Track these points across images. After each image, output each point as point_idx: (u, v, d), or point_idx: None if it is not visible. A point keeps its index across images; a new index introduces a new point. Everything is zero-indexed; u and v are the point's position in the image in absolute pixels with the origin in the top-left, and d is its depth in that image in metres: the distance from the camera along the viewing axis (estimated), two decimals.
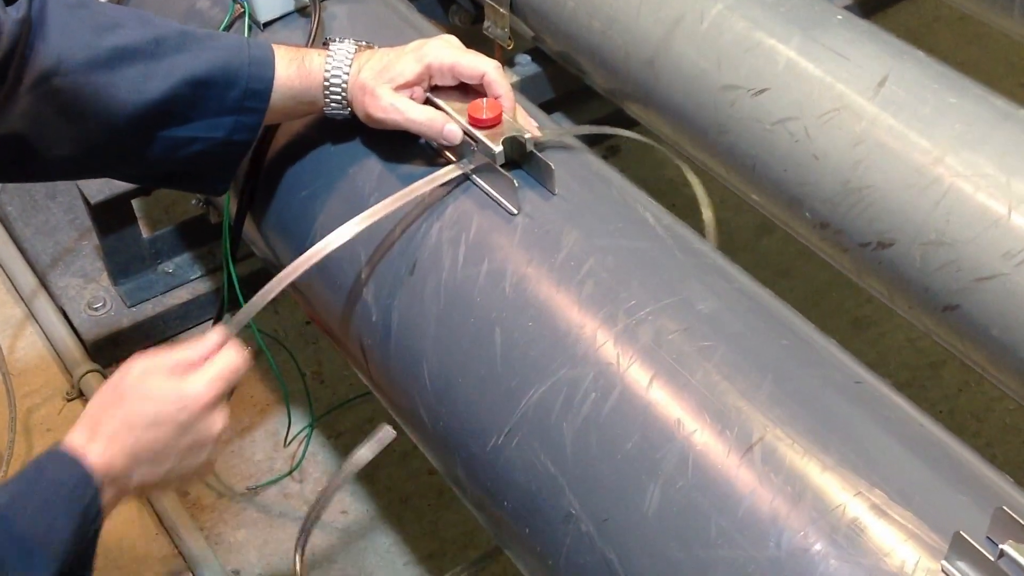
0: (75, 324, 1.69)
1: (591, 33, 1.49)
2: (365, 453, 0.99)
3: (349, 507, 1.52)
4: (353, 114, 1.09)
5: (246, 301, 0.99)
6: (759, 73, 1.30)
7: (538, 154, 1.02)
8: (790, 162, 1.28)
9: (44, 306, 1.72)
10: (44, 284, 1.75)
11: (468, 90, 1.07)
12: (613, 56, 1.46)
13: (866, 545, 0.76)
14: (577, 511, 0.86)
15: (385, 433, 0.99)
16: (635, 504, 0.83)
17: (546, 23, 1.58)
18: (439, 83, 1.07)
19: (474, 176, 1.04)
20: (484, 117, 1.03)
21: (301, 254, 1.00)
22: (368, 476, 1.56)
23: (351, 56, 1.07)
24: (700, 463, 0.82)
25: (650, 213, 1.04)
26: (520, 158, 1.04)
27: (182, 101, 1.05)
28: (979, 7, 1.63)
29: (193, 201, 1.61)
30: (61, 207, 1.84)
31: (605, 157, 1.57)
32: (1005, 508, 0.71)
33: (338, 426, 1.61)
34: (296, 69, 1.07)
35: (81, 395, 1.62)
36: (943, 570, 0.73)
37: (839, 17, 1.34)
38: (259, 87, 1.06)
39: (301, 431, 1.58)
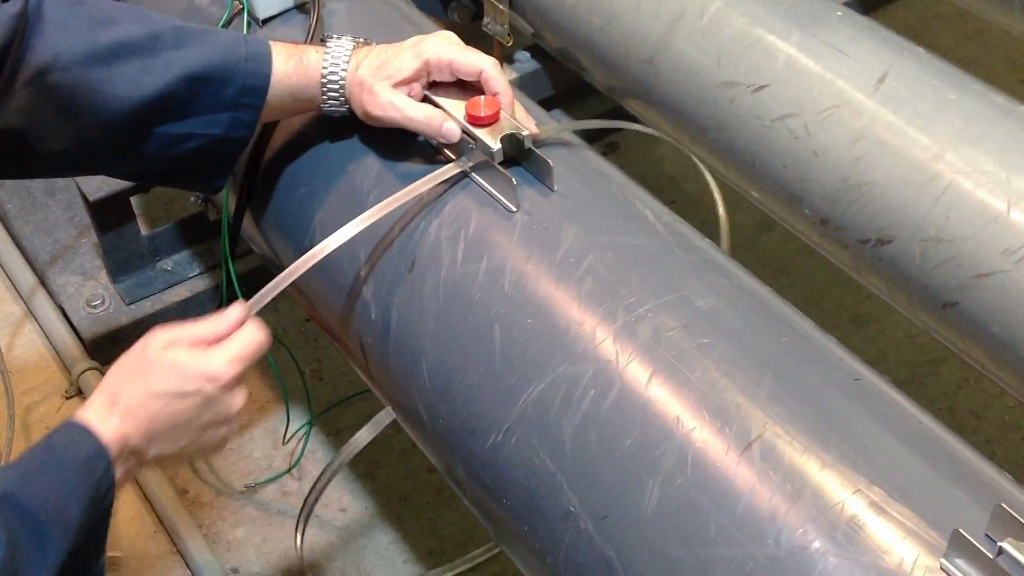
0: (74, 322, 1.68)
1: (591, 29, 1.48)
2: (364, 435, 0.99)
3: (348, 505, 1.52)
4: (351, 111, 1.09)
5: (246, 299, 0.99)
6: (759, 69, 1.30)
7: (537, 151, 1.02)
8: (790, 159, 1.28)
9: (43, 304, 1.72)
10: (43, 282, 1.75)
11: (466, 86, 1.06)
12: (613, 52, 1.46)
13: (865, 542, 0.75)
14: (576, 508, 0.86)
15: (383, 415, 0.98)
16: (634, 501, 0.83)
17: (545, 19, 1.58)
18: (437, 79, 1.07)
19: (473, 174, 1.04)
20: (482, 115, 1.02)
21: (300, 251, 1.00)
22: (367, 474, 1.56)
23: (349, 53, 1.07)
24: (699, 460, 0.82)
25: (649, 210, 1.04)
26: (519, 155, 1.03)
27: (179, 97, 1.05)
28: (979, 3, 1.63)
29: (192, 198, 1.61)
30: (60, 204, 1.84)
31: (604, 154, 1.56)
32: (1004, 505, 0.71)
33: (337, 424, 1.61)
34: (294, 66, 1.07)
35: (80, 393, 1.62)
36: (942, 567, 0.73)
37: (839, 13, 1.34)
38: (256, 83, 1.06)
39: (300, 428, 1.58)
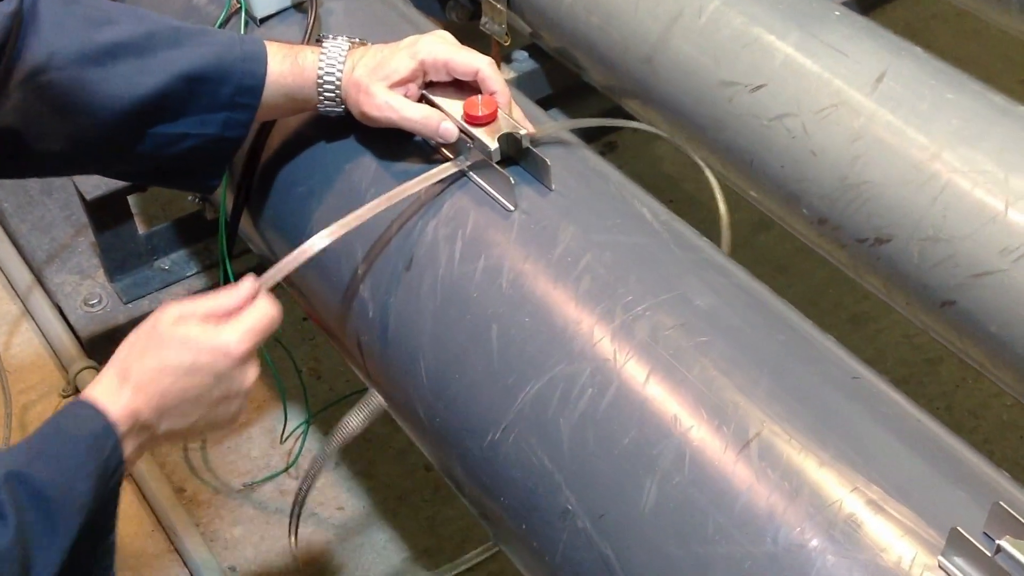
0: (71, 321, 1.68)
1: (589, 29, 1.48)
2: (355, 420, 0.99)
3: (346, 503, 1.52)
4: (347, 111, 1.09)
5: None
6: (757, 69, 1.30)
7: (534, 150, 1.02)
8: (788, 158, 1.28)
9: (40, 303, 1.72)
10: (40, 280, 1.75)
11: (464, 85, 1.06)
12: (611, 52, 1.46)
13: (863, 541, 0.75)
14: (574, 507, 0.86)
15: (374, 400, 0.99)
16: (632, 500, 0.83)
17: (544, 19, 1.58)
18: (434, 79, 1.07)
19: (470, 173, 1.04)
20: (480, 114, 1.02)
21: (283, 259, 0.99)
22: (365, 472, 1.56)
23: (345, 53, 1.07)
24: (697, 459, 0.82)
25: (647, 209, 1.04)
26: (516, 154, 1.03)
27: (174, 97, 1.05)
28: (977, 3, 1.63)
29: (189, 197, 1.61)
30: (57, 203, 1.84)
31: (602, 153, 1.56)
32: (1002, 504, 0.71)
33: (335, 422, 1.61)
34: (289, 66, 1.07)
35: (77, 392, 1.62)
36: (940, 565, 0.73)
37: (837, 13, 1.34)
38: (251, 83, 1.06)
39: (297, 427, 1.58)
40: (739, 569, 0.77)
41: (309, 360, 1.67)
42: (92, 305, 1.69)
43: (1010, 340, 1.12)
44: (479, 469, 0.96)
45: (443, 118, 1.03)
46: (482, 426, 0.94)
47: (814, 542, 0.76)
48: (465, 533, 1.48)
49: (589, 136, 1.88)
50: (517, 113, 1.06)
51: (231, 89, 1.06)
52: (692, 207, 1.83)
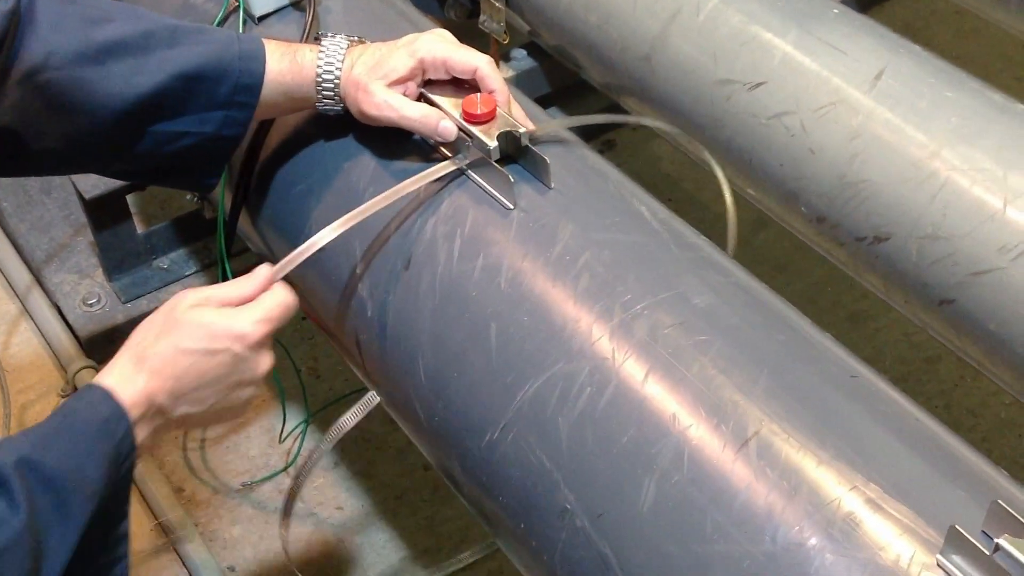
0: (70, 320, 1.68)
1: (587, 27, 1.48)
2: (350, 418, 1.00)
3: (345, 503, 1.52)
4: (346, 110, 1.08)
5: None
6: (755, 67, 1.30)
7: (533, 148, 1.02)
8: (786, 156, 1.28)
9: (38, 302, 1.71)
10: (38, 280, 1.75)
11: (463, 83, 1.06)
12: (609, 50, 1.46)
13: (862, 539, 0.75)
14: (572, 506, 0.86)
15: (369, 398, 0.99)
16: (631, 499, 0.83)
17: (542, 17, 1.58)
18: (432, 77, 1.07)
19: (469, 171, 1.04)
20: (479, 112, 1.02)
21: (287, 254, 0.99)
22: (363, 472, 1.55)
23: (343, 51, 1.07)
24: (696, 458, 0.82)
25: (646, 207, 1.04)
26: (515, 152, 1.03)
27: (172, 95, 1.05)
28: (975, 1, 1.63)
29: (188, 196, 1.61)
30: (56, 203, 1.83)
31: (601, 151, 1.56)
32: (1000, 502, 0.71)
33: (333, 422, 1.61)
34: (288, 64, 1.07)
35: (76, 391, 1.62)
36: (939, 564, 0.73)
37: (835, 11, 1.34)
38: (249, 82, 1.06)
39: (296, 427, 1.58)
40: (738, 568, 0.77)
41: (308, 359, 1.67)
42: (91, 304, 1.69)
43: (1009, 338, 1.12)
44: (478, 468, 0.96)
45: (442, 117, 1.03)
46: (481, 425, 0.94)
47: (813, 541, 0.76)
48: (464, 532, 1.48)
49: (588, 134, 1.88)
50: (516, 111, 1.06)
51: (229, 88, 1.06)
52: (691, 205, 1.83)
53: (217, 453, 1.57)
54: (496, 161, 1.02)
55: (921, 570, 0.73)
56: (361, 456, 1.57)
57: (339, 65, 1.06)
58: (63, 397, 1.62)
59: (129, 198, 1.68)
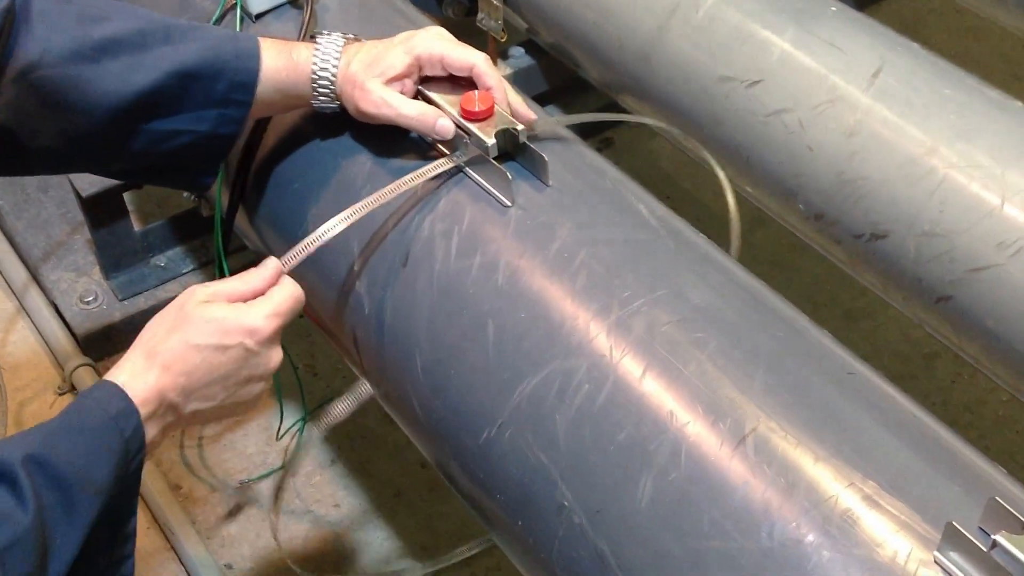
0: (67, 318, 1.68)
1: (585, 25, 1.48)
2: (342, 408, 1.00)
3: (342, 501, 1.52)
4: (342, 108, 1.08)
5: None
6: (753, 64, 1.30)
7: (531, 146, 1.01)
8: (784, 154, 1.28)
9: (36, 300, 1.71)
10: (36, 278, 1.75)
11: (461, 80, 1.06)
12: (607, 48, 1.46)
13: (859, 536, 0.75)
14: (570, 503, 0.86)
15: (361, 388, 0.99)
16: (628, 496, 0.83)
17: (540, 15, 1.58)
18: (429, 74, 1.06)
19: (467, 168, 1.04)
20: (477, 109, 1.02)
21: (294, 247, 0.99)
22: (361, 470, 1.55)
23: (339, 49, 1.06)
24: (693, 454, 0.82)
25: (644, 205, 1.04)
26: (513, 150, 1.03)
27: (167, 93, 1.05)
28: None
29: (185, 194, 1.61)
30: (53, 201, 1.83)
31: (599, 149, 1.56)
32: (998, 499, 0.71)
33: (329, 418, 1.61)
34: (284, 62, 1.07)
35: (73, 389, 1.62)
36: (936, 561, 0.73)
37: (833, 8, 1.34)
38: (245, 79, 1.06)
39: (294, 425, 1.58)
40: (735, 564, 0.77)
41: (305, 357, 1.67)
42: (88, 302, 1.69)
43: (1007, 335, 1.12)
44: (475, 465, 0.96)
45: (439, 115, 1.03)
46: (478, 422, 0.94)
47: (810, 537, 0.76)
48: (461, 530, 1.48)
49: (585, 132, 1.88)
50: (515, 99, 1.05)
51: (225, 85, 1.06)
52: (689, 203, 1.83)
53: (215, 451, 1.57)
54: (494, 158, 1.01)
55: (918, 567, 0.73)
56: (358, 454, 1.57)
57: (335, 63, 1.06)
58: (60, 395, 1.62)
59: (126, 196, 1.68)
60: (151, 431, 0.89)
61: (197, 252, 1.75)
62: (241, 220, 1.24)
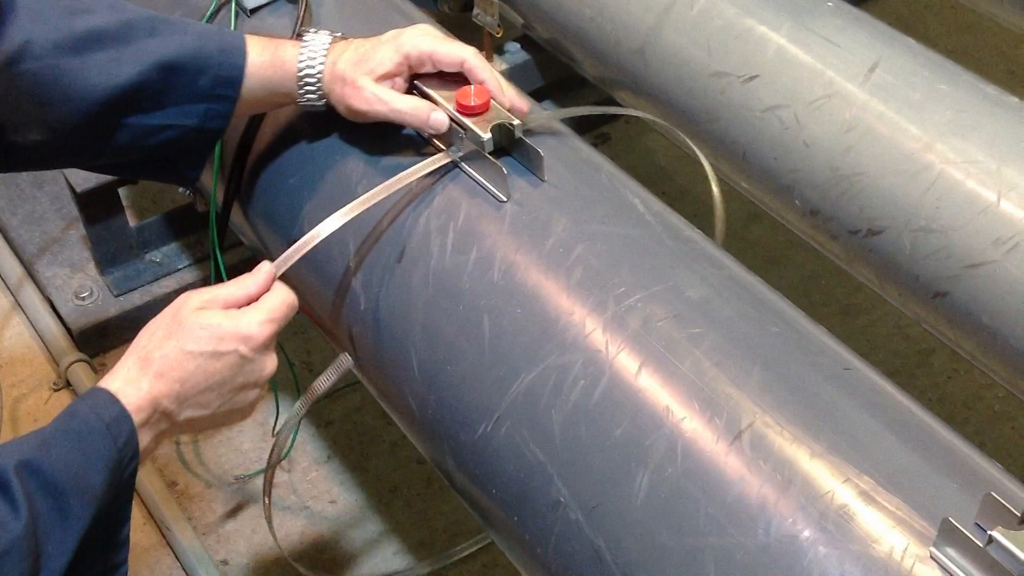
0: (62, 314, 1.68)
1: (581, 20, 1.48)
2: (324, 380, 1.00)
3: (338, 496, 1.52)
4: (329, 106, 1.08)
5: None
6: (749, 60, 1.30)
7: (527, 141, 1.01)
8: (780, 149, 1.28)
9: (30, 296, 1.71)
10: (30, 274, 1.74)
11: (456, 75, 1.06)
12: (603, 43, 1.46)
13: (855, 531, 0.75)
14: (566, 499, 0.86)
15: (343, 360, 0.99)
16: (624, 491, 0.83)
17: (536, 10, 1.58)
18: (419, 71, 1.06)
19: (462, 164, 1.04)
20: (472, 104, 1.02)
21: (290, 242, 0.99)
22: (357, 466, 1.55)
23: (326, 47, 1.06)
24: (689, 450, 0.82)
25: (639, 200, 1.03)
26: (509, 145, 1.03)
27: (151, 86, 1.04)
28: None
29: (180, 189, 1.60)
30: (48, 196, 1.83)
31: (595, 145, 1.56)
32: (994, 494, 0.71)
33: (327, 415, 1.61)
34: (269, 58, 1.06)
35: (68, 385, 1.61)
36: (932, 556, 0.73)
37: (829, 4, 1.34)
38: (230, 75, 1.05)
39: (289, 421, 1.58)
40: (731, 560, 0.77)
41: (301, 352, 1.67)
42: (83, 298, 1.68)
43: (1003, 331, 1.12)
44: (471, 461, 0.96)
45: (433, 108, 1.03)
46: (474, 418, 0.94)
47: (806, 533, 0.76)
48: (458, 526, 1.48)
49: (582, 127, 1.88)
50: (510, 90, 1.05)
51: (210, 80, 1.05)
52: (684, 198, 1.83)
53: (210, 447, 1.57)
54: (490, 153, 1.01)
55: (914, 562, 0.73)
56: (354, 450, 1.57)
57: (321, 60, 1.05)
58: (56, 391, 1.62)
59: (121, 191, 1.67)
60: (145, 438, 0.88)
61: (193, 248, 1.74)
62: (236, 215, 1.24)
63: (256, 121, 1.17)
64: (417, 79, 1.06)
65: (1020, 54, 2.14)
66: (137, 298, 1.69)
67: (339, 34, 1.09)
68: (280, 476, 1.54)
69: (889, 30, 1.31)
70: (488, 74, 1.03)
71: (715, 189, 1.10)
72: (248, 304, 0.94)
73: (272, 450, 1.07)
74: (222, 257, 1.25)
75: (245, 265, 1.19)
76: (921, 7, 2.23)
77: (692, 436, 0.83)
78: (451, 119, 1.03)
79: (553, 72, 1.86)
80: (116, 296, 1.69)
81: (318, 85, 1.06)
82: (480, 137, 1.01)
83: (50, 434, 0.85)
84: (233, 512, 1.50)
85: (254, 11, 1.25)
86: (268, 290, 0.95)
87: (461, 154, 1.03)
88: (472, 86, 1.03)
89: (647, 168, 1.94)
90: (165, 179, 1.19)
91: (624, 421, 0.85)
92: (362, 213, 1.00)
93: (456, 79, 1.05)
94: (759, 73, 1.29)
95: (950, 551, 0.72)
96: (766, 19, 1.31)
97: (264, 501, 1.14)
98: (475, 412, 0.94)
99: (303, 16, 1.19)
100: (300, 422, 1.58)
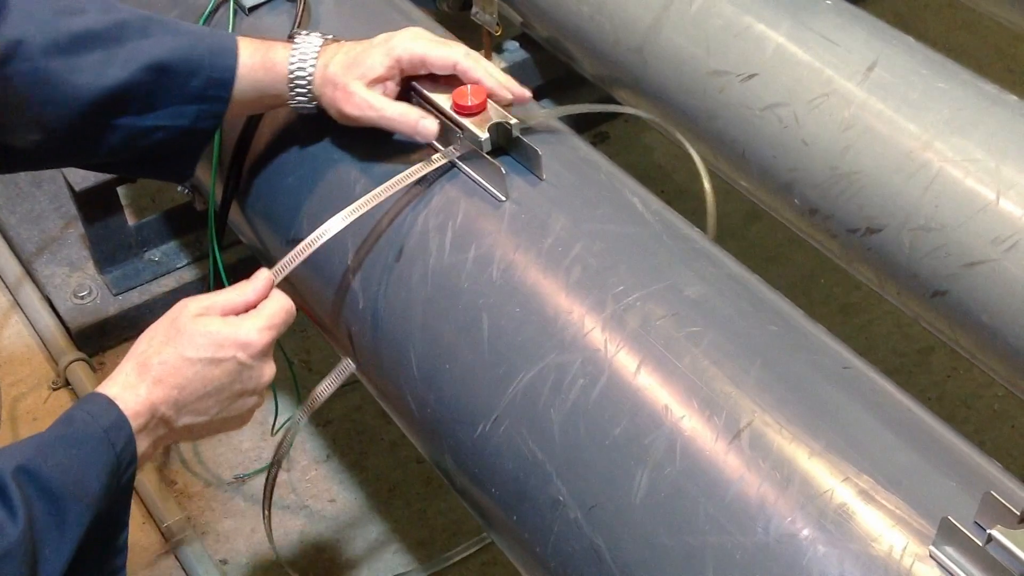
0: (61, 313, 1.68)
1: (580, 19, 1.48)
2: (326, 387, 1.00)
3: (337, 496, 1.52)
4: (320, 108, 1.08)
5: None
6: (748, 58, 1.30)
7: (525, 140, 1.01)
8: (779, 148, 1.28)
9: (29, 295, 1.71)
10: (29, 273, 1.74)
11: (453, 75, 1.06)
12: (602, 42, 1.46)
13: (854, 530, 0.75)
14: (565, 498, 0.86)
15: (345, 365, 0.99)
16: (623, 491, 0.83)
17: (534, 9, 1.58)
18: (411, 75, 1.06)
19: (460, 163, 1.03)
20: (469, 104, 1.02)
21: (288, 241, 0.99)
22: (356, 465, 1.55)
23: (317, 50, 1.06)
24: (688, 449, 0.82)
25: (638, 198, 1.03)
26: (507, 144, 1.03)
27: (143, 87, 1.04)
28: None
29: (179, 188, 1.60)
30: (46, 195, 1.83)
31: (594, 143, 1.56)
32: (993, 493, 0.71)
33: (326, 414, 1.61)
34: (260, 60, 1.06)
35: (67, 384, 1.61)
36: (931, 555, 0.73)
37: (828, 2, 1.34)
38: (221, 76, 1.05)
39: (288, 420, 1.58)
40: (730, 559, 0.77)
41: (300, 352, 1.67)
42: (82, 297, 1.68)
43: (1002, 330, 1.12)
44: (470, 460, 0.96)
45: (422, 115, 1.02)
46: (473, 417, 0.94)
47: (805, 532, 0.76)
48: (457, 525, 1.48)
49: (580, 126, 1.88)
50: (508, 82, 1.04)
51: (201, 81, 1.05)
52: (683, 197, 1.83)
53: (209, 446, 1.57)
54: (488, 153, 1.01)
55: (914, 561, 0.73)
56: (354, 449, 1.57)
57: (312, 63, 1.05)
58: (54, 390, 1.62)
59: (120, 190, 1.67)
60: (142, 444, 0.88)
61: (191, 246, 1.74)
62: (235, 214, 1.24)
63: (255, 120, 1.17)
64: (413, 80, 1.06)
65: (1018, 52, 2.14)
66: (136, 297, 1.69)
67: (330, 36, 1.08)
68: (279, 475, 1.54)
69: (888, 28, 1.31)
70: (482, 73, 1.03)
71: (707, 185, 1.10)
72: (246, 311, 0.94)
73: (271, 467, 1.07)
74: (221, 256, 1.25)
75: (244, 264, 1.19)
76: (920, 6, 2.23)
77: (691, 435, 0.83)
78: (448, 119, 1.03)
79: (552, 70, 1.86)
80: (115, 295, 1.69)
81: (309, 88, 1.06)
82: (478, 137, 1.01)
83: (47, 439, 0.84)
84: (232, 511, 1.50)
85: (252, 9, 1.24)
86: (266, 297, 0.95)
87: (459, 154, 1.03)
88: (469, 86, 1.03)
89: (646, 167, 1.94)
90: (161, 177, 1.19)
91: (623, 420, 0.85)
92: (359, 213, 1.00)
93: (453, 78, 1.05)
94: (758, 72, 1.29)
95: (949, 550, 0.72)
96: (765, 17, 1.31)
97: (264, 513, 1.14)
98: (474, 411, 0.94)
99: (301, 15, 1.19)
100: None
